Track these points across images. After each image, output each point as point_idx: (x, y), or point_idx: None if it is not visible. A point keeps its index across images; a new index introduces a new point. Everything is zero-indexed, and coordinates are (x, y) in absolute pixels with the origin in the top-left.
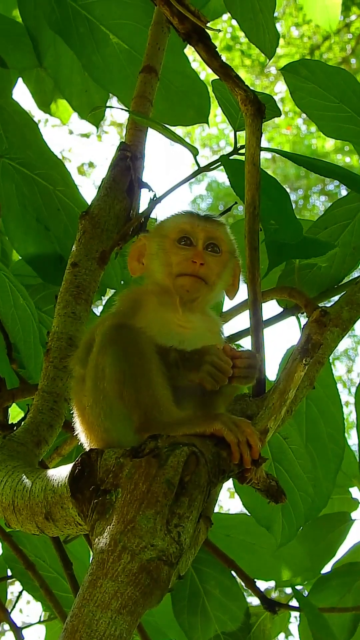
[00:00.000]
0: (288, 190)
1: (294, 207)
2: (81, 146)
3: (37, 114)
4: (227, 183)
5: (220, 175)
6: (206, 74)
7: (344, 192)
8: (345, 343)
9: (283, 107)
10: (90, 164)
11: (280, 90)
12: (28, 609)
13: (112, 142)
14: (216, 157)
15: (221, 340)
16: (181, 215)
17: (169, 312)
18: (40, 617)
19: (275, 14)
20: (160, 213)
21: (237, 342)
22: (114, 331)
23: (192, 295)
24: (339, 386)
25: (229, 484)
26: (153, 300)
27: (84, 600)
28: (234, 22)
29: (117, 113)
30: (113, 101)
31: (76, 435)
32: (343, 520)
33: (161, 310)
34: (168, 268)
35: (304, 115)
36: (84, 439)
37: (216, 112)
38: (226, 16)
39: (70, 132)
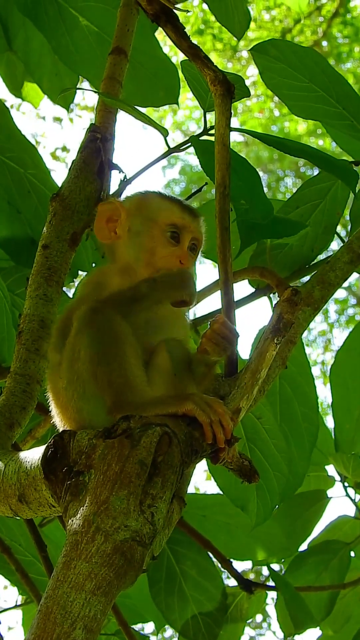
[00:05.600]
0: (261, 173)
1: (266, 190)
2: (54, 132)
3: (9, 100)
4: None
5: (193, 159)
6: (177, 59)
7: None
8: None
9: (255, 90)
10: (64, 148)
11: (252, 74)
12: (5, 595)
13: (85, 126)
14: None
15: (187, 324)
16: (172, 205)
17: None
18: (17, 601)
19: None
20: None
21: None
22: (91, 314)
23: None
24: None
25: (205, 465)
26: (115, 282)
27: (58, 582)
28: (205, 5)
29: (89, 97)
30: (84, 84)
31: (49, 418)
32: (319, 498)
33: None
34: (151, 257)
35: (276, 98)
36: (58, 422)
37: (187, 97)
38: (197, 1)
39: (43, 118)
